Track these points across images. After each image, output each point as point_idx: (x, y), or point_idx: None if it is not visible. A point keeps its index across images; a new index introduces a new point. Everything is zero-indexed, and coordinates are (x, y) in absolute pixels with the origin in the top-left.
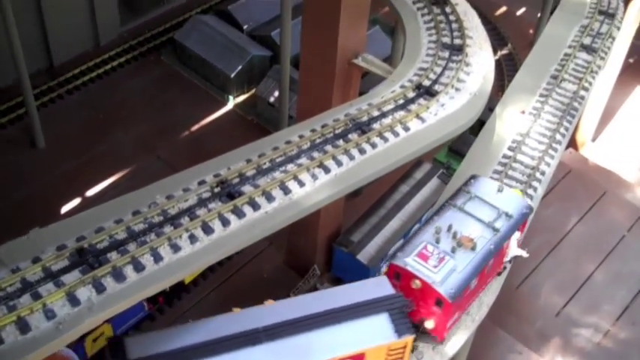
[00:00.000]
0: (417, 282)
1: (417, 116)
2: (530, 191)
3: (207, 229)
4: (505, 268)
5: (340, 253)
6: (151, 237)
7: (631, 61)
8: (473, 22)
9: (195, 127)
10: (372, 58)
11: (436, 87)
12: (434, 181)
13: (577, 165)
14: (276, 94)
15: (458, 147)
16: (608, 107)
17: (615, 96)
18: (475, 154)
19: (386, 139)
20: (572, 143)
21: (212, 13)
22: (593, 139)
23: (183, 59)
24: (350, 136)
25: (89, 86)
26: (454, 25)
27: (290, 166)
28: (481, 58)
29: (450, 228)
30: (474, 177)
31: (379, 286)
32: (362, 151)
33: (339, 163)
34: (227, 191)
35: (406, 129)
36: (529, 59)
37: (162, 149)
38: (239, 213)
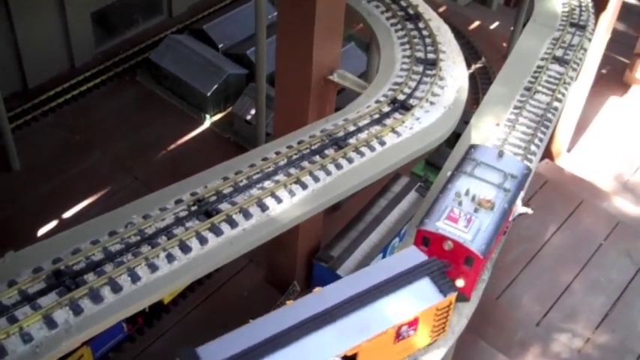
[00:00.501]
0: (450, 243)
1: (393, 130)
2: None
3: (185, 248)
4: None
5: (320, 268)
6: (128, 257)
7: (604, 71)
8: (446, 37)
9: (172, 147)
10: (347, 74)
11: (411, 101)
12: (412, 195)
13: (553, 175)
14: (253, 111)
15: (435, 160)
16: (583, 118)
17: (589, 106)
18: (451, 167)
19: (362, 154)
20: (548, 154)
21: (187, 33)
22: (569, 150)
23: (158, 79)
24: (326, 151)
25: (64, 108)
26: (427, 40)
27: (267, 183)
28: (455, 72)
29: (467, 192)
30: (473, 146)
31: (412, 255)
32: (339, 166)
33: (316, 179)
34: (204, 209)
35: (382, 143)
36: (502, 72)
37: (138, 169)
38: (216, 231)
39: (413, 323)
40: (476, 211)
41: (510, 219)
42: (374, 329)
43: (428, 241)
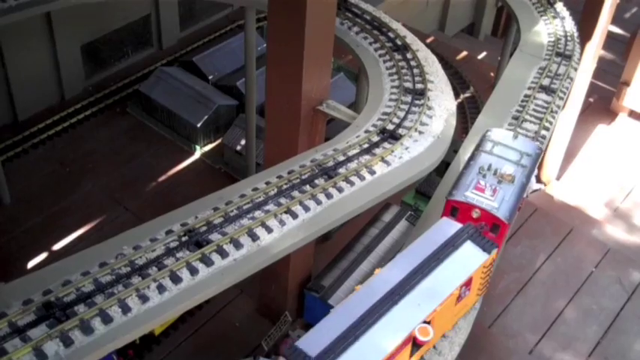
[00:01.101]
0: (477, 211)
1: (382, 160)
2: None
3: (176, 279)
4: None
5: (311, 298)
6: (119, 288)
7: (591, 100)
8: (433, 67)
9: (162, 178)
10: (336, 104)
11: (400, 131)
12: (402, 223)
13: (543, 203)
14: (243, 142)
15: (425, 189)
16: (572, 146)
17: (578, 134)
18: (442, 196)
19: (352, 184)
20: (538, 182)
21: (177, 65)
22: (558, 178)
23: (149, 111)
24: (316, 181)
25: (55, 140)
26: (415, 71)
27: (257, 213)
28: (443, 102)
29: (490, 167)
30: (489, 130)
31: (446, 226)
32: (329, 196)
33: (306, 209)
34: (195, 240)
35: (372, 173)
36: (490, 101)
37: (129, 201)
38: (207, 261)
39: (468, 283)
40: (499, 182)
41: (525, 195)
42: (442, 294)
43: (456, 210)
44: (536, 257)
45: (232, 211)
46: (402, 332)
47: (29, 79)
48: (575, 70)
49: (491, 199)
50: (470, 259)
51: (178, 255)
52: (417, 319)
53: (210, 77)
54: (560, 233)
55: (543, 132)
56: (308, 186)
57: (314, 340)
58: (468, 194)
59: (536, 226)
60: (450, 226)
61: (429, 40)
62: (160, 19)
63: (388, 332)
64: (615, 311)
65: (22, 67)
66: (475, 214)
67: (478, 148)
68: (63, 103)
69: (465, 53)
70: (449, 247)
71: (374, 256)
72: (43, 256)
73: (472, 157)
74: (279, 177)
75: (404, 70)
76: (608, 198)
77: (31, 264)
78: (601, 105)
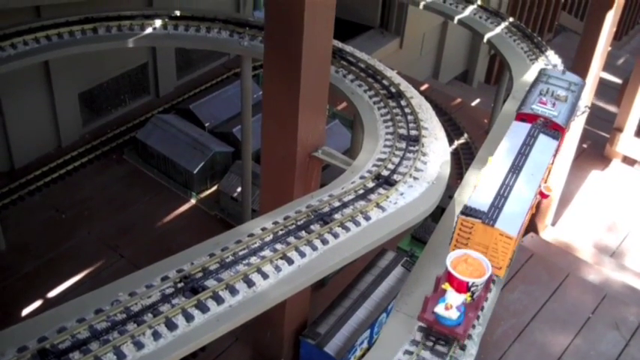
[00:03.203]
0: (542, 119)
1: (378, 205)
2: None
3: (171, 325)
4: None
5: (307, 345)
6: (114, 335)
7: (584, 146)
8: (427, 114)
9: (158, 224)
10: (331, 150)
11: (395, 176)
12: (398, 269)
13: (539, 249)
14: (239, 188)
15: (420, 234)
16: (566, 191)
17: (572, 180)
18: (437, 241)
19: (348, 229)
20: (533, 227)
21: (174, 112)
22: (553, 223)
23: (145, 158)
24: (312, 227)
25: (51, 187)
26: (410, 117)
27: (253, 259)
28: (437, 148)
29: (547, 90)
30: (543, 69)
31: (520, 127)
32: (324, 242)
33: (302, 254)
34: (190, 286)
35: (367, 218)
36: (485, 147)
37: (125, 247)
38: (203, 308)
39: (547, 175)
40: (557, 99)
41: (576, 115)
42: (543, 166)
43: (524, 121)
44: (533, 303)
45: (228, 257)
46: (534, 189)
47: (26, 127)
48: None
49: (552, 109)
50: (546, 144)
51: (174, 301)
52: (538, 181)
53: (206, 124)
54: (557, 279)
55: None
56: (304, 232)
57: (478, 201)
58: (534, 107)
59: (533, 271)
60: (524, 127)
61: (423, 88)
62: (157, 68)
63: (525, 190)
64: (613, 357)
65: (19, 115)
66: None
67: (536, 80)
68: (60, 150)
69: (458, 100)
70: (530, 138)
71: (370, 303)
72: (38, 302)
73: (532, 86)
74: (275, 223)
75: (398, 117)
76: (603, 243)
77: (26, 311)
78: (595, 151)
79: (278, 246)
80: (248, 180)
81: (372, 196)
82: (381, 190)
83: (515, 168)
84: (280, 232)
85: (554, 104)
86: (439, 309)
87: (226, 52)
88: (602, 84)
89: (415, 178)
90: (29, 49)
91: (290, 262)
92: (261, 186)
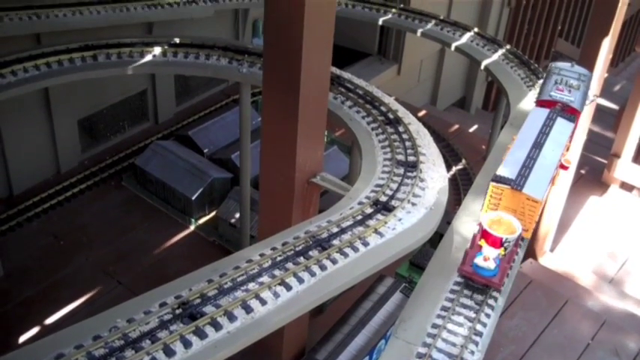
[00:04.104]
0: (560, 105)
1: (376, 231)
2: (490, 301)
3: (169, 352)
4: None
5: None
6: None
7: (582, 172)
8: (425, 140)
9: (156, 251)
10: (330, 176)
11: (393, 202)
12: (397, 296)
13: (538, 275)
14: (237, 215)
15: (418, 260)
16: (564, 217)
17: (570, 206)
18: (435, 267)
19: (346, 255)
20: (532, 253)
21: (173, 139)
22: (552, 249)
23: (144, 184)
24: (310, 252)
25: (50, 213)
26: (407, 144)
27: (251, 285)
28: (435, 174)
29: (561, 80)
30: (554, 62)
31: (539, 111)
32: (323, 268)
33: (300, 280)
34: (189, 312)
35: (365, 244)
36: (482, 173)
37: (123, 274)
38: (201, 334)
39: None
40: (571, 87)
41: (587, 102)
42: (562, 143)
43: (543, 107)
44: (532, 330)
45: (226, 283)
46: (555, 162)
47: (26, 154)
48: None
49: (569, 95)
50: (564, 126)
51: (172, 328)
52: (558, 155)
53: (205, 150)
54: (556, 305)
55: None
56: (302, 258)
57: (506, 171)
58: (553, 94)
59: (532, 298)
60: (543, 111)
61: (420, 114)
62: (157, 94)
63: (547, 163)
64: None
65: (19, 142)
66: (558, 107)
67: (549, 73)
68: (58, 176)
69: (456, 126)
70: (549, 120)
71: (368, 329)
72: (36, 329)
73: (546, 78)
74: (274, 249)
75: (396, 143)
76: (602, 269)
77: (24, 337)
78: (592, 177)
79: (276, 272)
80: (246, 206)
81: (371, 222)
82: (379, 216)
83: (537, 144)
84: (279, 258)
85: (569, 91)
86: (478, 260)
87: (225, 78)
88: (600, 110)
89: (413, 204)
90: (29, 76)
91: (288, 288)
92: (259, 212)
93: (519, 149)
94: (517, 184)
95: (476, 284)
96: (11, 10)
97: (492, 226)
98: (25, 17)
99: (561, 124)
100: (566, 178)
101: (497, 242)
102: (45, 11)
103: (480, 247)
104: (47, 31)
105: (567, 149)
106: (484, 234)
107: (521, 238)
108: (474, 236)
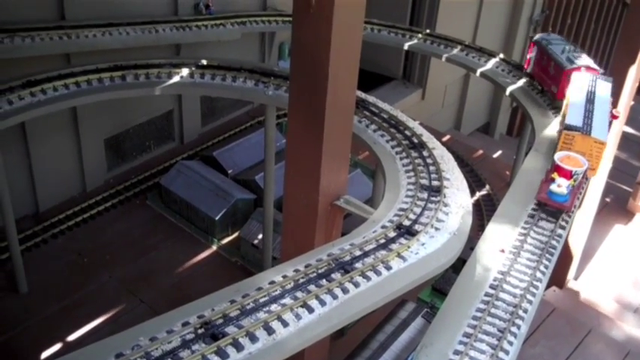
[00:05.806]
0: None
1: (399, 255)
2: (513, 329)
3: None
4: None
5: None
6: None
7: (607, 200)
8: (449, 165)
9: (179, 270)
10: (353, 199)
11: (416, 227)
12: (419, 321)
13: (561, 303)
14: (260, 236)
15: (441, 286)
16: (589, 245)
17: (595, 234)
18: (458, 293)
19: (368, 278)
20: (556, 281)
21: (197, 159)
22: (576, 278)
23: (168, 203)
24: (333, 275)
25: (74, 230)
26: (431, 168)
27: (274, 306)
28: (459, 199)
29: (564, 49)
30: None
31: (583, 76)
32: (345, 291)
33: (322, 303)
34: (211, 332)
35: (388, 268)
36: (506, 199)
37: (145, 293)
38: (222, 354)
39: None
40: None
41: None
42: (608, 101)
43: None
44: (555, 358)
45: (249, 304)
46: (607, 112)
47: (52, 171)
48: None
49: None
50: (605, 85)
51: (194, 347)
52: (608, 108)
53: (229, 171)
54: (579, 334)
55: (559, 230)
56: (324, 280)
57: (573, 120)
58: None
59: (555, 326)
60: (587, 75)
61: (445, 139)
62: (183, 115)
63: (602, 112)
64: None
65: (46, 159)
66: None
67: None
68: (84, 194)
69: (480, 152)
70: (592, 81)
71: (389, 354)
72: (58, 346)
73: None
74: (296, 270)
75: (420, 167)
76: (626, 298)
77: (45, 354)
78: (617, 205)
79: (299, 294)
80: (269, 227)
81: (394, 246)
82: (402, 240)
83: (590, 99)
84: (301, 280)
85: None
86: (553, 187)
87: (251, 100)
88: (626, 138)
89: (437, 229)
90: (58, 95)
91: (310, 310)
92: (282, 233)
93: (576, 105)
94: (585, 130)
95: (550, 208)
96: (43, 30)
97: (563, 161)
98: (56, 37)
99: (603, 85)
100: (591, 205)
101: (567, 174)
102: (75, 31)
103: (553, 179)
104: (77, 51)
105: (610, 104)
106: (557, 168)
107: (586, 175)
108: (547, 171)
